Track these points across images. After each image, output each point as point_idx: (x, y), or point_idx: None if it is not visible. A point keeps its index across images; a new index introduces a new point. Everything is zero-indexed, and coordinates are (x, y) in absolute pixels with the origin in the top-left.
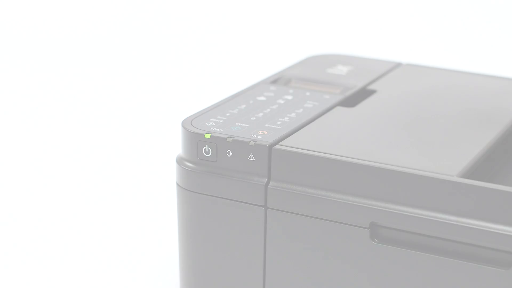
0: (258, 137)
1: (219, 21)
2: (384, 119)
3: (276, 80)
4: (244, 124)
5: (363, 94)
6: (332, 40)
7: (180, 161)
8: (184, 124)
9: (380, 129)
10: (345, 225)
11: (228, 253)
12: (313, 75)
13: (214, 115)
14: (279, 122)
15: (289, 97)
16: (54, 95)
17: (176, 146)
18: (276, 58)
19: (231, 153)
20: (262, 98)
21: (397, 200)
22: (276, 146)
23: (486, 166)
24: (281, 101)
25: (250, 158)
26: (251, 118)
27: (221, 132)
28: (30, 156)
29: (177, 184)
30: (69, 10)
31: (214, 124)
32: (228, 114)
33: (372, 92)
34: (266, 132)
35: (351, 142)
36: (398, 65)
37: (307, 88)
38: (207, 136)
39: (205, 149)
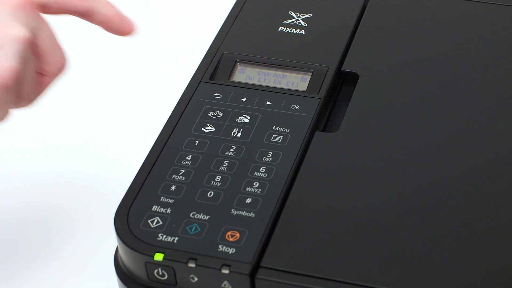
0: (230, 250)
1: None
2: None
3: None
4: (201, 216)
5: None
6: None
7: (121, 272)
8: (118, 223)
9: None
10: None
11: None
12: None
13: (153, 197)
14: (249, 200)
15: (246, 120)
16: None
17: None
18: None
19: (196, 279)
20: (208, 128)
21: None
22: (260, 275)
23: None
24: (237, 133)
25: (224, 286)
26: (208, 195)
27: (175, 244)
28: None
29: None
30: None
31: (160, 221)
32: (173, 189)
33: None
34: (238, 235)
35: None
36: None
37: (265, 87)
38: (159, 257)
39: (158, 271)
